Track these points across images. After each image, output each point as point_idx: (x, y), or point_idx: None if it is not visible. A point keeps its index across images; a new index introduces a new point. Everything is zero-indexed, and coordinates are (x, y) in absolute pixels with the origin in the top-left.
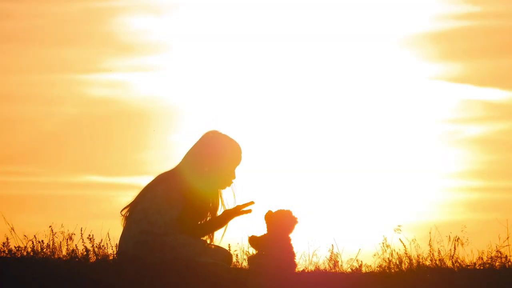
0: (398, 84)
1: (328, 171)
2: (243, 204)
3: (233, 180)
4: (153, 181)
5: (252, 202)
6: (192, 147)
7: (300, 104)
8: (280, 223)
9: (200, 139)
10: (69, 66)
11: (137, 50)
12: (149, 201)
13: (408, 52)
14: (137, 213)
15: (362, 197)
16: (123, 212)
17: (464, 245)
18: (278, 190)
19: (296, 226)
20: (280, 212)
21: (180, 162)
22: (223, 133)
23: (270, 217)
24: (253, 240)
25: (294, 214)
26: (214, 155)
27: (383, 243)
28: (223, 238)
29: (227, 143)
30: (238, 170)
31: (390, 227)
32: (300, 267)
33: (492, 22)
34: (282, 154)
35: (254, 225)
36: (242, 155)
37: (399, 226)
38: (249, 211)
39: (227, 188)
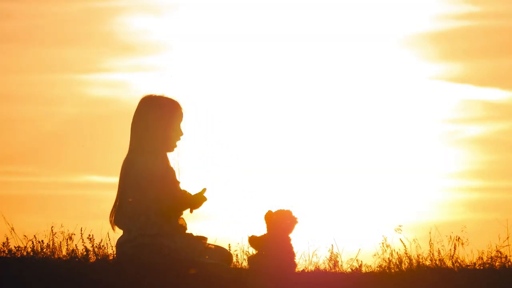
0: (398, 84)
1: (328, 171)
2: (199, 193)
3: (181, 137)
4: (120, 179)
5: (204, 190)
6: (133, 120)
7: (300, 104)
8: (280, 223)
9: (137, 107)
10: (69, 66)
11: (137, 50)
12: (128, 208)
13: (408, 52)
14: (123, 224)
15: (362, 197)
16: (111, 219)
17: (464, 245)
18: (278, 190)
19: (296, 226)
20: (280, 212)
21: (130, 141)
22: (158, 94)
23: (270, 217)
24: (253, 240)
25: (294, 214)
26: (155, 119)
27: (383, 243)
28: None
29: (164, 102)
30: (182, 126)
31: (390, 227)
32: (300, 267)
33: (492, 22)
34: (282, 154)
35: (254, 225)
36: (183, 109)
37: (399, 226)
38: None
39: (175, 150)
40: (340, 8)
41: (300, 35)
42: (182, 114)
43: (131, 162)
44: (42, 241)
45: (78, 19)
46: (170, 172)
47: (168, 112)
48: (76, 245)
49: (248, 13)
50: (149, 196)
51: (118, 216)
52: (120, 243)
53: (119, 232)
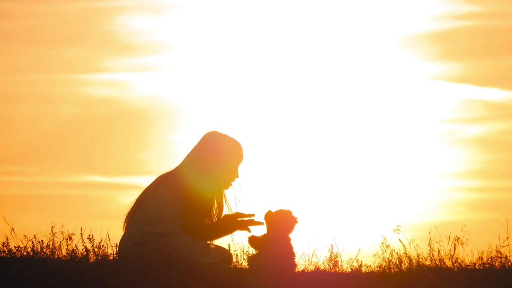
0: (397, 84)
1: (328, 171)
2: (243, 214)
3: (236, 179)
4: (153, 182)
5: (252, 215)
6: (193, 149)
7: (300, 103)
8: (280, 223)
9: (200, 141)
10: (69, 66)
11: (137, 50)
12: (150, 201)
13: (407, 52)
14: (138, 213)
15: (361, 197)
16: (127, 216)
17: (464, 245)
18: (278, 190)
19: (296, 226)
20: (280, 212)
21: (181, 163)
22: (223, 132)
23: (270, 217)
24: (253, 240)
25: (294, 214)
26: (215, 155)
27: (383, 243)
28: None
29: (228, 142)
30: (240, 169)
31: (389, 227)
32: (300, 267)
33: (492, 22)
34: (282, 154)
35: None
36: (244, 153)
37: (398, 226)
38: (260, 223)
39: (231, 188)
40: (339, 8)
41: (300, 34)
42: (242, 157)
43: (176, 175)
44: (42, 241)
45: (78, 19)
46: (218, 208)
47: (231, 152)
48: (76, 245)
49: (248, 13)
50: (176, 206)
51: (137, 208)
52: (123, 240)
53: (121, 232)
